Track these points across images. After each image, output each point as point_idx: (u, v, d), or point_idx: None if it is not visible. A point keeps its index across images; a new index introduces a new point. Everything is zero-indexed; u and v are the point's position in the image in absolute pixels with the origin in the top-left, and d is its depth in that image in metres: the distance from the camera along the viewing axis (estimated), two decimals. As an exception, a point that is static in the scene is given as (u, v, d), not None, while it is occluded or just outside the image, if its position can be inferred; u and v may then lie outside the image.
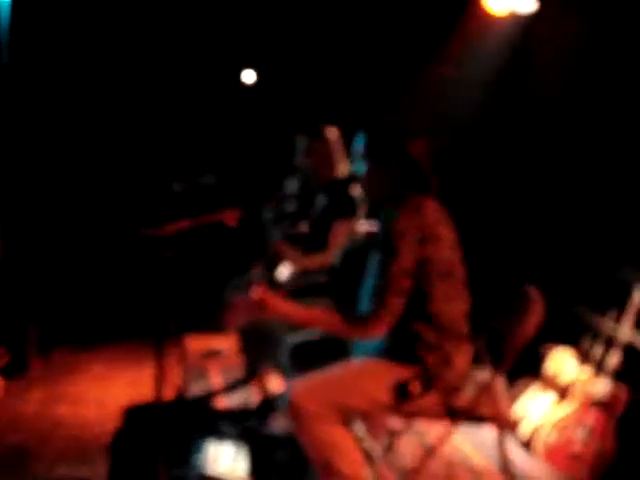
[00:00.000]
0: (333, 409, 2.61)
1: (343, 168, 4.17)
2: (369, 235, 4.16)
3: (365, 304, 2.72)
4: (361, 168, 2.88)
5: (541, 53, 5.33)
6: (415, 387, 2.68)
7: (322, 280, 3.88)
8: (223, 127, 6.98)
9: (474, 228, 3.34)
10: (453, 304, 2.76)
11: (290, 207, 4.35)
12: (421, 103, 5.82)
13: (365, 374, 2.74)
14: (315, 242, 4.00)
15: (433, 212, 2.73)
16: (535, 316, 2.83)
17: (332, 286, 3.83)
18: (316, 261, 3.96)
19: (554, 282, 3.34)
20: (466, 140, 5.78)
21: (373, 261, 2.76)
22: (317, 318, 2.72)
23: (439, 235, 2.69)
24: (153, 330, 4.95)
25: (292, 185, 4.43)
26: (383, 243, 2.67)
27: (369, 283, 2.76)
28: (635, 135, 4.47)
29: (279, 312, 2.71)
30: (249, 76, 6.96)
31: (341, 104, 6.20)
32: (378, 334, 2.67)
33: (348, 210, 4.02)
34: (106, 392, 4.39)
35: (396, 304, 2.65)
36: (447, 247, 2.73)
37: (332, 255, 3.95)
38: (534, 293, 2.93)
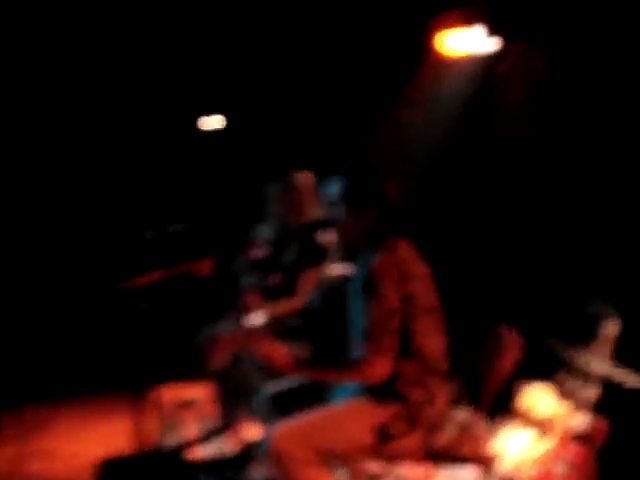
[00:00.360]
0: (315, 453, 2.61)
1: (314, 214, 4.18)
2: (343, 278, 4.13)
3: (357, 347, 2.72)
4: (335, 213, 2.91)
5: (503, 91, 5.42)
6: (397, 427, 2.69)
7: (297, 324, 3.88)
8: (191, 174, 6.97)
9: (445, 265, 3.35)
10: (434, 340, 2.79)
11: (261, 254, 4.31)
12: (386, 146, 5.90)
13: (346, 416, 2.74)
14: (286, 292, 4.02)
15: (407, 251, 2.79)
16: (512, 354, 2.90)
17: (308, 329, 3.83)
18: (285, 306, 3.96)
19: (525, 316, 3.33)
20: (432, 181, 5.85)
21: (357, 306, 2.77)
22: (311, 368, 2.75)
23: (416, 273, 2.74)
24: (126, 382, 4.99)
25: (264, 233, 4.40)
26: (366, 287, 2.69)
27: (358, 327, 2.76)
28: (600, 170, 4.54)
29: (271, 357, 2.73)
30: (210, 122, 6.94)
31: (307, 150, 6.22)
32: (379, 375, 2.67)
33: (316, 257, 4.02)
34: (79, 446, 4.32)
35: (391, 343, 2.66)
36: (425, 284, 2.78)
37: (300, 301, 3.96)
38: (510, 330, 2.96)
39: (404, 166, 5.26)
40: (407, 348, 2.71)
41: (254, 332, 2.79)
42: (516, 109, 5.26)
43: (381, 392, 2.71)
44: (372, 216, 2.82)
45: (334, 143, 6.35)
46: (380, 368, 2.65)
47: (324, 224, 3.93)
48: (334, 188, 2.90)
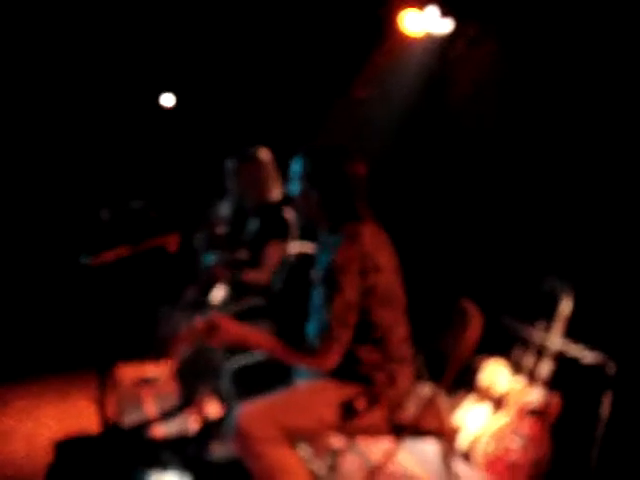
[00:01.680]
0: (280, 431, 2.61)
1: (275, 190, 4.17)
2: (302, 256, 4.15)
3: (312, 330, 2.72)
4: (295, 190, 2.88)
5: (456, 72, 5.48)
6: (361, 403, 2.71)
7: (259, 303, 3.91)
8: (149, 151, 6.91)
9: (407, 245, 3.37)
10: (395, 329, 2.80)
11: (221, 231, 4.30)
12: (343, 126, 5.91)
13: (311, 394, 2.76)
14: (253, 267, 4.03)
15: (371, 239, 2.75)
16: (473, 331, 2.87)
17: (270, 308, 3.84)
18: (251, 277, 3.98)
19: (482, 293, 3.35)
20: (391, 160, 5.84)
21: (317, 292, 2.76)
22: (269, 343, 2.72)
23: (379, 263, 2.71)
24: (85, 360, 4.91)
25: (223, 209, 4.39)
26: (325, 279, 2.68)
27: (314, 312, 2.77)
28: (553, 150, 4.59)
29: (232, 335, 2.72)
30: (168, 99, 6.87)
31: (264, 127, 6.23)
32: (330, 366, 2.69)
33: (281, 232, 4.04)
34: (35, 427, 4.25)
35: (344, 337, 2.67)
36: (388, 273, 2.76)
37: (266, 274, 3.97)
38: (471, 307, 2.97)
39: (362, 144, 5.19)
40: (368, 337, 2.73)
41: (214, 321, 2.72)
42: (468, 91, 5.35)
43: (345, 374, 2.74)
44: (328, 195, 2.79)
45: (292, 121, 6.36)
46: (331, 360, 2.67)
47: (286, 200, 3.94)
48: (296, 165, 2.87)
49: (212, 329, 2.70)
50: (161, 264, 4.92)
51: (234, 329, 2.73)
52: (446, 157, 5.57)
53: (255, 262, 4.02)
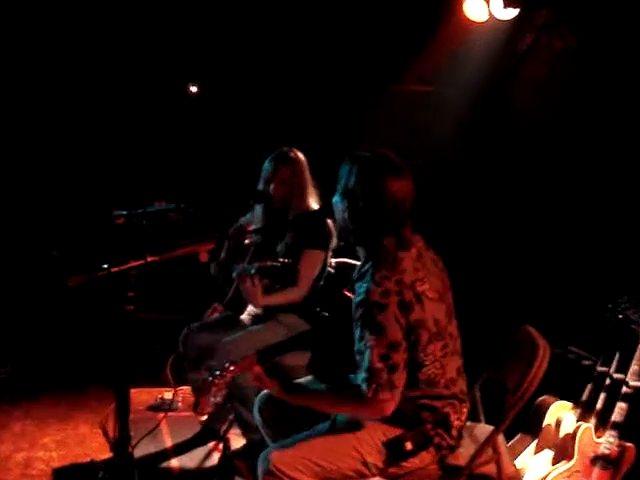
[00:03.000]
0: (318, 477, 2.65)
1: (315, 197, 4.29)
2: (343, 269, 4.35)
3: (359, 376, 2.69)
4: (335, 199, 2.91)
5: (525, 65, 5.53)
6: (408, 445, 2.72)
7: (301, 330, 4.05)
8: (175, 146, 7.00)
9: (462, 264, 3.37)
10: (446, 364, 2.79)
11: (252, 240, 4.33)
12: (394, 124, 5.92)
13: (352, 435, 2.76)
14: (287, 277, 4.06)
15: (414, 265, 2.75)
16: (539, 363, 2.84)
17: (308, 334, 3.96)
18: (285, 298, 4.09)
19: (546, 320, 3.34)
20: (448, 165, 5.86)
21: (356, 331, 2.72)
22: (311, 399, 2.79)
23: (424, 293, 2.71)
24: (92, 382, 4.97)
25: (255, 215, 4.44)
26: (363, 317, 2.65)
27: (358, 354, 2.73)
28: (626, 156, 4.58)
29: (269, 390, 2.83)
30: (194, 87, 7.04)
31: (300, 128, 6.26)
32: (386, 414, 2.66)
33: (321, 241, 4.14)
34: (32, 453, 4.28)
35: (397, 381, 2.64)
36: (436, 303, 2.76)
37: (302, 289, 4.09)
38: (536, 336, 2.95)
39: (415, 145, 5.28)
40: (416, 374, 2.72)
41: (243, 367, 2.91)
42: (540, 84, 5.37)
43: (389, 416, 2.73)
44: (362, 215, 2.79)
45: (336, 118, 6.39)
46: (387, 409, 2.64)
47: (327, 209, 3.93)
48: (340, 171, 2.87)
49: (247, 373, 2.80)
50: (188, 275, 4.95)
51: (272, 387, 2.82)
52: (510, 162, 5.57)
53: (290, 274, 4.05)
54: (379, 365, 2.59)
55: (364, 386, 2.60)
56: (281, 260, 3.76)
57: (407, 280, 2.67)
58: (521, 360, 2.88)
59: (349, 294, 3.91)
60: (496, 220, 5.57)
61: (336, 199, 2.88)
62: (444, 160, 5.80)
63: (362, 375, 2.62)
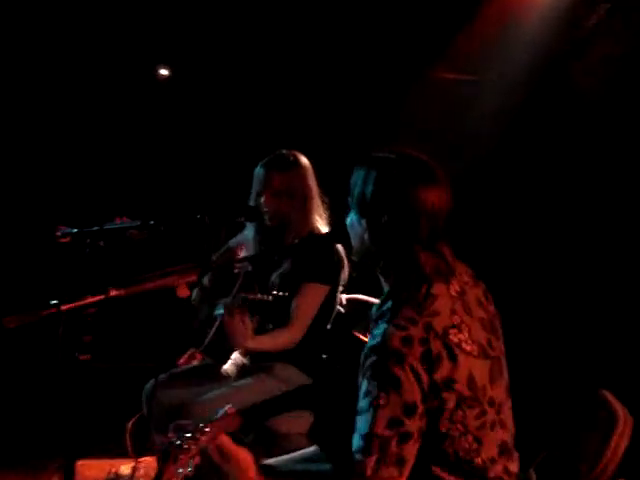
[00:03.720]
0: None
1: (322, 215, 4.36)
2: (356, 306, 4.44)
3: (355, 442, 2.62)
4: (348, 217, 2.86)
5: (587, 48, 5.60)
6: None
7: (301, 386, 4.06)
8: (135, 147, 6.99)
9: (515, 298, 3.31)
10: (481, 438, 2.68)
11: (240, 269, 4.28)
12: (424, 119, 5.96)
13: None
14: (281, 315, 4.06)
15: (451, 306, 2.68)
16: (619, 439, 2.77)
17: (318, 394, 3.92)
18: (272, 342, 4.09)
19: (627, 382, 3.37)
20: (492, 167, 5.92)
21: (363, 383, 2.63)
22: None
23: (458, 345, 2.62)
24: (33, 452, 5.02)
25: (245, 237, 4.48)
26: (373, 365, 2.57)
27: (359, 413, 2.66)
28: None
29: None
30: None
31: (305, 125, 6.32)
32: None
33: (326, 273, 4.16)
34: None
35: (404, 453, 2.53)
36: (472, 359, 2.67)
37: (296, 333, 4.09)
38: (615, 404, 2.89)
39: (451, 146, 5.37)
40: (443, 451, 2.64)
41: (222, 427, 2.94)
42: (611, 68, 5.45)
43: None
44: (386, 235, 2.74)
45: (349, 119, 6.40)
46: None
47: (338, 233, 3.83)
48: (352, 181, 2.83)
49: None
50: (157, 314, 4.98)
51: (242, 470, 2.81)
52: (571, 163, 5.64)
53: (285, 311, 4.07)
54: (386, 432, 2.49)
55: (359, 458, 2.51)
56: (274, 293, 3.71)
57: (438, 326, 2.58)
58: (595, 434, 2.82)
59: (364, 338, 4.12)
60: (555, 241, 5.62)
61: (351, 217, 2.83)
62: (484, 161, 5.90)
63: (357, 443, 2.53)
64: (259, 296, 3.71)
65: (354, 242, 2.87)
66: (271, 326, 4.15)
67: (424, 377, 2.53)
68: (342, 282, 4.27)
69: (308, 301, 4.14)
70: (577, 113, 5.64)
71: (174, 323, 4.48)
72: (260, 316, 4.04)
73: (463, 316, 2.68)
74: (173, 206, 6.12)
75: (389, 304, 2.68)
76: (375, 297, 3.95)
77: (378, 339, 2.56)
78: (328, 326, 4.29)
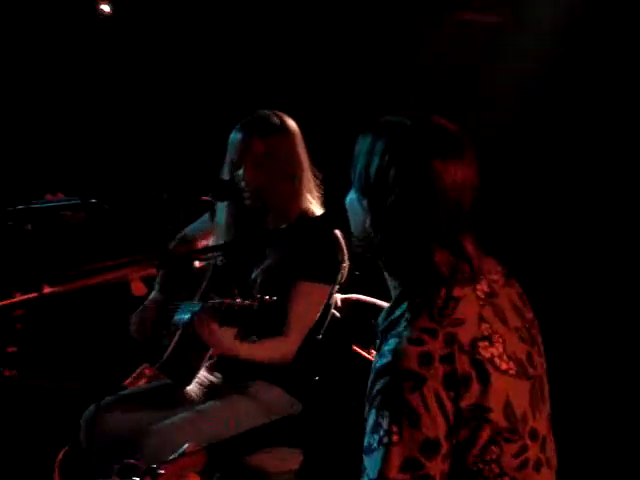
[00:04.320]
0: None
1: (314, 194, 4.31)
2: (356, 309, 4.45)
3: None
4: (349, 197, 2.77)
5: None
6: None
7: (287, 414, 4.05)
8: (71, 105, 6.90)
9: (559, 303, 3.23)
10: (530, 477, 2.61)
11: (211, 263, 4.30)
12: (441, 74, 5.96)
13: None
14: (267, 324, 3.92)
15: (479, 311, 2.58)
16: None
17: (308, 425, 3.95)
18: (267, 353, 4.05)
19: None
20: (526, 134, 5.90)
21: (369, 414, 2.56)
22: None
23: (491, 361, 2.51)
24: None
25: (215, 222, 4.43)
26: (382, 392, 2.45)
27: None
28: None
29: None
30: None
31: (290, 78, 6.25)
32: None
33: (325, 269, 4.11)
34: None
35: None
36: (510, 379, 2.56)
37: (293, 343, 4.05)
38: None
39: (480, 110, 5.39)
40: None
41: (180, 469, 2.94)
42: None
43: None
44: (404, 221, 2.58)
45: (347, 72, 6.33)
46: None
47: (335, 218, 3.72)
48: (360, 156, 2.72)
49: None
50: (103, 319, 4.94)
51: None
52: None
53: (273, 319, 3.86)
54: (400, 477, 2.40)
55: None
56: (258, 297, 3.63)
57: (464, 338, 2.48)
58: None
59: (365, 353, 4.20)
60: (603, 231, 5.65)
61: (351, 196, 2.74)
62: (511, 131, 5.87)
63: None
64: (238, 301, 3.64)
65: (353, 227, 2.77)
66: (255, 338, 4.06)
67: (448, 405, 2.43)
68: (340, 280, 4.26)
69: (306, 304, 4.10)
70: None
71: (124, 331, 4.45)
72: (239, 326, 3.87)
73: (495, 324, 2.59)
74: (121, 180, 6.06)
75: (400, 311, 2.59)
76: (380, 298, 4.10)
77: (388, 357, 2.46)
78: (319, 335, 4.25)
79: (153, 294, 4.41)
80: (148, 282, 3.64)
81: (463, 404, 2.42)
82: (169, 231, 4.21)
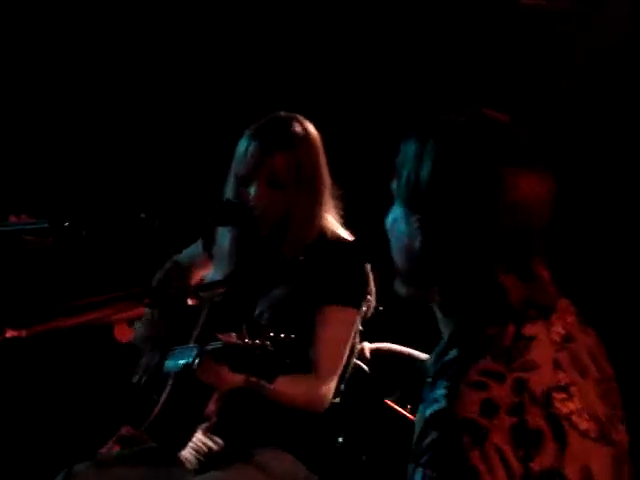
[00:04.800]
0: None
1: (335, 215, 4.28)
2: (386, 360, 4.39)
3: None
4: (391, 215, 2.61)
5: None
6: None
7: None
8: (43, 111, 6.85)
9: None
10: None
11: (206, 298, 4.25)
12: (502, 67, 5.96)
13: None
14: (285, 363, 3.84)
15: (553, 355, 2.47)
16: None
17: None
18: (302, 391, 3.98)
19: None
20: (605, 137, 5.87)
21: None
22: None
23: (568, 418, 2.39)
24: None
25: (216, 249, 4.38)
26: (439, 448, 2.30)
27: None
28: None
29: None
30: None
31: (309, 73, 6.19)
32: None
33: (352, 293, 4.09)
34: None
35: None
36: (589, 442, 2.43)
37: (327, 383, 4.01)
38: None
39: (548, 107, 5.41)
40: None
41: None
42: None
43: None
44: (463, 245, 2.47)
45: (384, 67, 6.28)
46: None
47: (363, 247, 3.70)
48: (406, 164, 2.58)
49: None
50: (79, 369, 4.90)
51: None
52: None
53: (294, 360, 3.81)
54: None
55: None
56: (272, 335, 3.59)
57: (537, 386, 2.36)
58: None
59: (402, 410, 4.09)
60: None
61: (395, 214, 2.60)
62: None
63: None
64: (248, 342, 3.54)
65: (398, 254, 2.63)
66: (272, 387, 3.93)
67: (515, 466, 2.27)
68: (363, 313, 4.21)
69: (338, 332, 4.05)
70: None
71: (103, 383, 4.41)
72: (251, 373, 3.76)
73: (572, 374, 2.49)
74: (103, 200, 5.98)
75: (456, 352, 2.46)
76: (416, 348, 4.15)
77: (442, 403, 2.33)
78: (341, 386, 4.20)
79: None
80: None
81: (535, 466, 2.28)
82: (161, 263, 4.13)
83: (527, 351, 2.38)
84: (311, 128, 4.23)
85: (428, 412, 2.33)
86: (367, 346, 4.35)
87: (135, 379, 4.35)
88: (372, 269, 4.08)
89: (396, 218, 2.57)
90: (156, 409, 4.01)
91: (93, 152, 6.61)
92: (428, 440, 2.30)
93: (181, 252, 4.47)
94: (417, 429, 2.36)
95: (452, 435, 2.26)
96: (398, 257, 2.60)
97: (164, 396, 3.98)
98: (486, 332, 2.41)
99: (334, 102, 4.65)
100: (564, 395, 2.38)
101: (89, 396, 4.84)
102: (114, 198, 6.03)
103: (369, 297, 4.11)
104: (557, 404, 2.35)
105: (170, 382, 3.90)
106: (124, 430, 4.43)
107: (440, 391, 2.33)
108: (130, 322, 3.30)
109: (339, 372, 4.04)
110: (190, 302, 4.22)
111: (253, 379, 3.77)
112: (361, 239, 3.76)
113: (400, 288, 2.65)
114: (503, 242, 2.44)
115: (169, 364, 3.96)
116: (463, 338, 2.47)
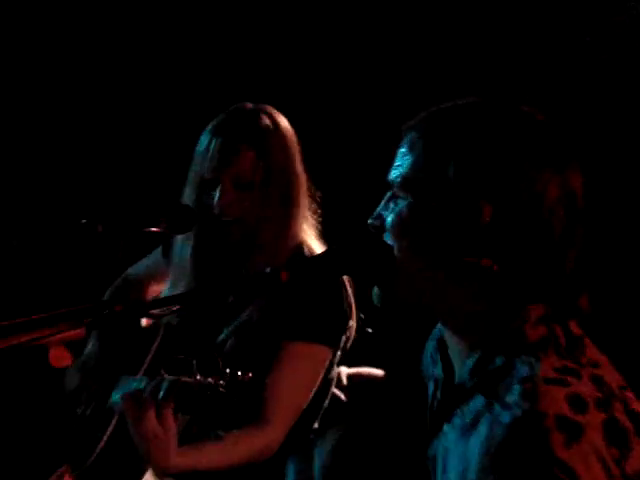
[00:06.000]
0: None
1: (309, 227, 4.13)
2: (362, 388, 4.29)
3: None
4: (389, 218, 2.52)
5: None
6: None
7: None
8: None
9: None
10: None
11: (162, 321, 4.04)
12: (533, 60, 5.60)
13: None
14: (239, 410, 3.55)
15: (602, 355, 2.40)
16: None
17: None
18: (238, 451, 3.73)
19: None
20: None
21: None
22: None
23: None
24: None
25: (173, 265, 4.21)
26: (525, 454, 2.13)
27: None
28: None
29: None
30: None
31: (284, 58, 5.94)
32: None
33: (326, 326, 3.89)
34: None
35: None
36: None
37: (278, 432, 3.79)
38: None
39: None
40: None
41: None
42: None
43: None
44: (478, 239, 2.36)
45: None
46: None
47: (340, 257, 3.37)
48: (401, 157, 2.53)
49: None
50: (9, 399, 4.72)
51: None
52: None
53: (247, 402, 3.48)
54: None
55: None
56: (227, 371, 3.25)
57: (612, 382, 2.31)
58: None
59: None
60: None
61: (401, 207, 2.50)
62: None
63: None
64: (199, 379, 3.20)
65: (416, 247, 2.48)
66: (221, 433, 3.75)
67: (613, 468, 2.17)
68: (343, 344, 4.03)
69: (299, 375, 3.84)
70: None
71: (37, 417, 4.18)
72: (198, 414, 3.47)
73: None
74: (38, 205, 5.66)
75: (501, 360, 2.37)
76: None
77: (522, 405, 2.21)
78: (315, 424, 4.05)
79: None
80: (75, 348, 3.11)
81: (629, 469, 2.18)
82: (104, 276, 3.85)
83: (586, 349, 2.33)
84: (283, 121, 4.04)
85: (508, 419, 2.20)
86: (344, 371, 4.20)
87: (79, 410, 4.08)
88: (351, 281, 3.86)
89: (402, 212, 2.43)
90: (98, 447, 3.73)
91: (27, 149, 6.30)
92: (509, 446, 2.16)
93: (131, 263, 4.28)
94: (494, 438, 2.19)
95: (542, 436, 2.13)
96: (419, 248, 2.41)
97: (107, 433, 3.71)
98: (532, 334, 2.31)
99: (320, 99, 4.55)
100: (632, 394, 2.32)
101: (23, 429, 4.65)
102: (50, 202, 5.73)
103: (350, 323, 3.90)
104: (631, 402, 2.29)
105: (115, 417, 3.64)
106: (63, 472, 3.97)
107: (512, 396, 2.21)
108: (69, 344, 2.91)
109: (293, 419, 3.79)
110: (144, 322, 4.09)
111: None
112: (338, 250, 3.47)
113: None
114: (539, 243, 2.34)
115: (115, 396, 3.71)
116: (505, 345, 2.34)
